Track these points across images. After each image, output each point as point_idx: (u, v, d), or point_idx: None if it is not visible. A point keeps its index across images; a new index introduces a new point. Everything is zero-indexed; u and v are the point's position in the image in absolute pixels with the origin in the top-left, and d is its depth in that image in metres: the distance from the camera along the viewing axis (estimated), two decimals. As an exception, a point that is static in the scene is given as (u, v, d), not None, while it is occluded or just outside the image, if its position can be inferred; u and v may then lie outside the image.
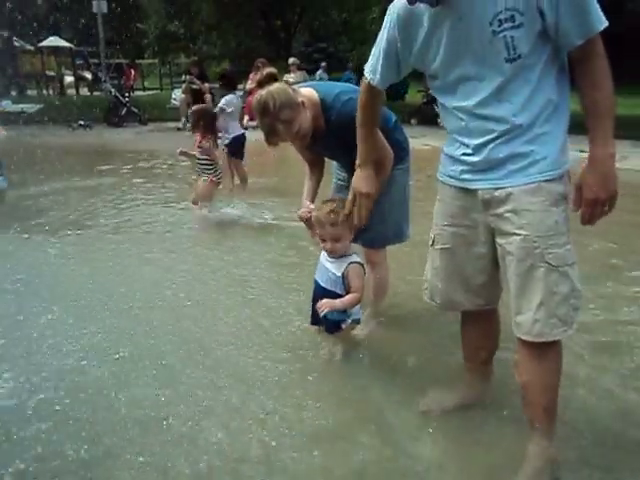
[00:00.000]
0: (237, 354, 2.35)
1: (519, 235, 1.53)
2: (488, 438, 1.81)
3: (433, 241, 1.80)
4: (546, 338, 1.55)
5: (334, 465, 1.71)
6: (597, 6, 1.42)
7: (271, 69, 2.19)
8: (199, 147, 4.37)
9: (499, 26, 1.43)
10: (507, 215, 1.55)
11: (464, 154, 1.62)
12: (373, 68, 1.74)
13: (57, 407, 1.95)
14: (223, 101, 5.50)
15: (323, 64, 14.19)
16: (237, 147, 5.46)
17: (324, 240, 2.20)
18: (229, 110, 5.42)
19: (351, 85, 2.35)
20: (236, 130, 5.47)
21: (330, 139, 2.26)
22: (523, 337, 1.58)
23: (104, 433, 1.82)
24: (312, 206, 2.34)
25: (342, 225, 2.14)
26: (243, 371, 2.22)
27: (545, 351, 1.58)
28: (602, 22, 1.43)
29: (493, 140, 1.54)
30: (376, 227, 2.31)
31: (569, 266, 1.53)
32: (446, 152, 1.72)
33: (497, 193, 1.56)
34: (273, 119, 2.09)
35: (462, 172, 1.65)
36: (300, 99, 2.14)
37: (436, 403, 1.97)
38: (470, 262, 1.71)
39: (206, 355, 2.33)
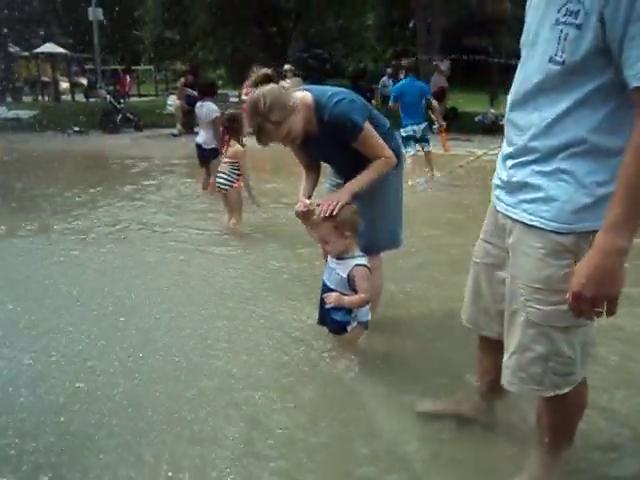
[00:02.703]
0: (235, 351, 2.38)
1: (510, 275, 1.42)
2: (483, 444, 1.80)
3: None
4: (514, 389, 1.46)
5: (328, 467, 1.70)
6: None
7: (266, 70, 2.19)
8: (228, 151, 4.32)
9: (563, 15, 1.19)
10: (509, 249, 1.42)
11: (500, 165, 1.48)
12: None
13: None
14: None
15: (389, 70, 13.60)
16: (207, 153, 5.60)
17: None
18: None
19: (344, 89, 2.34)
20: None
21: (323, 141, 2.26)
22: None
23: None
24: (308, 201, 2.34)
25: (324, 227, 2.19)
26: (238, 370, 2.24)
27: (549, 399, 1.45)
28: None
29: (512, 156, 1.38)
30: (370, 233, 2.32)
31: (555, 328, 1.33)
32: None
33: (505, 221, 1.43)
34: (263, 119, 2.11)
35: (495, 187, 1.50)
36: (292, 101, 2.14)
37: (432, 406, 1.95)
38: (490, 286, 1.56)
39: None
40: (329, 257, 2.35)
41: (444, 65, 12.32)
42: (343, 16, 21.52)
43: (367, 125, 2.20)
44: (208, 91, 5.76)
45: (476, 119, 11.16)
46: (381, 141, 2.25)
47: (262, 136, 2.17)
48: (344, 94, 2.22)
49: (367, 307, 2.32)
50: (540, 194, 1.30)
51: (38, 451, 1.76)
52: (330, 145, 2.27)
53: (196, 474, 1.68)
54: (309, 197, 2.42)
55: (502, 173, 1.44)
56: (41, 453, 1.75)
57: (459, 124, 11.13)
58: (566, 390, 1.40)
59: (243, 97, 10.78)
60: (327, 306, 2.22)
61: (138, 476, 1.67)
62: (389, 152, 2.28)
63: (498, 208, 1.46)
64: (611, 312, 1.22)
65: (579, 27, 1.16)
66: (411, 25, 17.63)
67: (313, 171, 2.51)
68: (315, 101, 2.21)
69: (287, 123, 2.13)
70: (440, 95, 11.66)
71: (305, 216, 2.33)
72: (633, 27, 1.08)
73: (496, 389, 1.73)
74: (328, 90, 2.27)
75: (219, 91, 11.48)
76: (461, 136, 9.90)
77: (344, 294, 2.25)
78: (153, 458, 1.73)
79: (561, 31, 1.19)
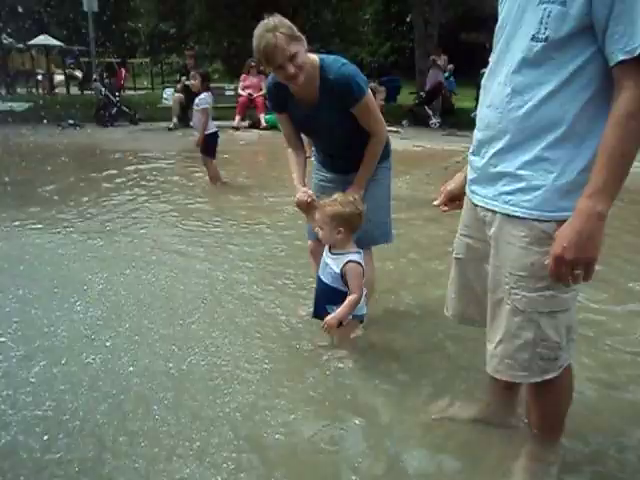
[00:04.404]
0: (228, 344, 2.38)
1: (493, 265, 1.43)
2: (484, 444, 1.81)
3: (453, 248, 1.67)
4: (500, 377, 1.47)
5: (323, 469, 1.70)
6: None
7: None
8: None
9: None
10: (491, 241, 1.43)
11: (472, 153, 1.47)
12: None
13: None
14: (200, 100, 5.52)
15: (450, 66, 13.47)
16: (209, 145, 5.53)
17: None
18: (202, 107, 5.49)
19: None
20: (210, 128, 5.54)
21: (322, 108, 2.21)
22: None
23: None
24: (310, 191, 2.32)
25: (322, 213, 2.17)
26: (233, 366, 2.23)
27: (537, 387, 1.47)
28: None
29: (489, 142, 1.37)
30: (363, 227, 2.31)
31: (541, 314, 1.36)
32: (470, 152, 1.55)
33: (485, 213, 1.43)
34: (272, 32, 2.04)
35: (471, 182, 1.50)
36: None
37: (446, 411, 1.93)
38: (480, 279, 1.56)
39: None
40: (324, 252, 2.35)
41: (441, 60, 12.28)
42: (340, 10, 21.45)
43: (370, 94, 2.19)
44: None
45: (472, 115, 11.15)
46: (380, 115, 2.25)
47: (272, 53, 2.03)
48: (346, 61, 2.22)
49: (363, 300, 2.32)
50: (522, 184, 1.32)
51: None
52: (328, 113, 2.21)
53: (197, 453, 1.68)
54: (304, 184, 2.38)
55: (478, 162, 1.43)
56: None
57: (455, 120, 11.12)
58: (554, 374, 1.41)
59: (240, 91, 10.75)
60: (331, 332, 2.22)
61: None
62: (384, 128, 2.27)
63: (475, 201, 1.47)
64: (588, 276, 1.26)
65: (563, 4, 1.18)
66: (408, 20, 17.58)
67: (300, 152, 2.45)
68: (321, 60, 2.20)
69: (295, 45, 2.07)
70: (437, 90, 11.66)
71: (308, 206, 2.29)
72: (620, 4, 1.13)
73: (511, 386, 1.72)
74: (337, 57, 2.24)
75: (216, 84, 11.41)
76: (457, 131, 9.90)
77: (339, 290, 2.26)
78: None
79: (544, 9, 1.21)
